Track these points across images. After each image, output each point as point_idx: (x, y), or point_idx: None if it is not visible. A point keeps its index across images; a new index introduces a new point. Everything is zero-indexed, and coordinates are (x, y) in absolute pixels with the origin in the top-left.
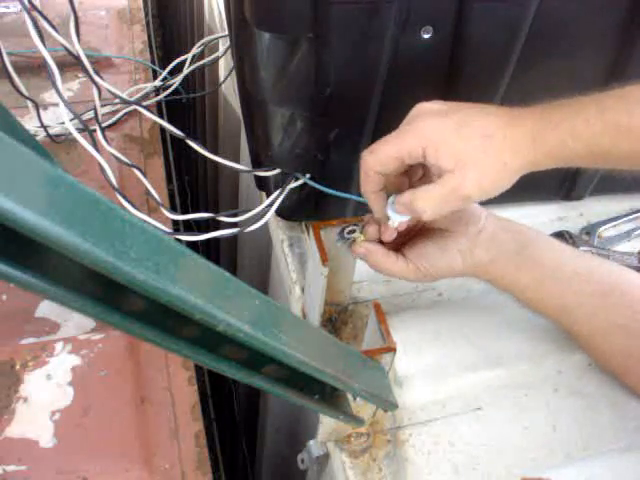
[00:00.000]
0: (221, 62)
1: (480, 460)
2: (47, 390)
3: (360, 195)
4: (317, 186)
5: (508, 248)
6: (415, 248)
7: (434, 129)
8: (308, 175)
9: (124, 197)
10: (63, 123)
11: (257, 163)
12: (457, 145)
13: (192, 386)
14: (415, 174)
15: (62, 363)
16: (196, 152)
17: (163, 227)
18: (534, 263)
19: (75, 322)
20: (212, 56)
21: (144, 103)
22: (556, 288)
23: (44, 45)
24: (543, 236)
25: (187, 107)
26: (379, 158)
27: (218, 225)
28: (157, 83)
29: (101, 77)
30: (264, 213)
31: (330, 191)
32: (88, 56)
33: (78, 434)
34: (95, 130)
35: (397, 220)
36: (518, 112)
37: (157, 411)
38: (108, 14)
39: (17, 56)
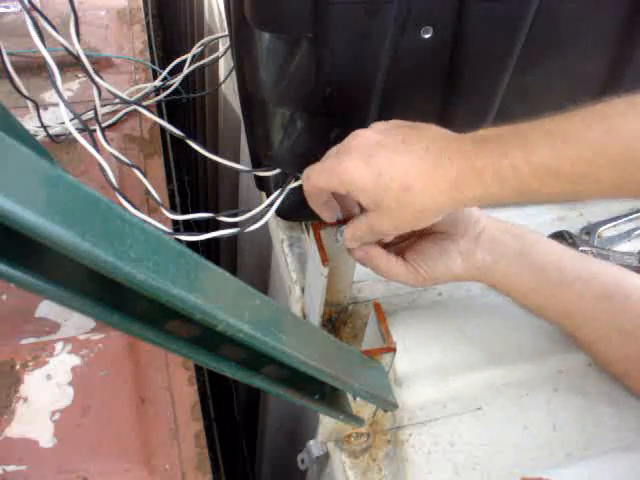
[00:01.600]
0: (221, 62)
1: (480, 460)
2: (47, 390)
3: None
4: None
5: (509, 251)
6: (415, 251)
7: (356, 175)
8: (301, 180)
9: (124, 197)
10: (63, 123)
11: (257, 163)
12: (376, 193)
13: (192, 386)
14: None
15: (62, 363)
16: (196, 152)
17: (163, 227)
18: (535, 266)
19: (75, 322)
20: (212, 56)
21: (144, 103)
22: (558, 292)
23: (44, 45)
24: (544, 239)
25: (187, 107)
26: (312, 186)
27: (218, 225)
28: (157, 83)
29: (101, 77)
30: (264, 213)
31: None
32: (88, 56)
33: (78, 434)
34: (95, 130)
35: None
36: (446, 153)
37: (157, 411)
38: (108, 14)
39: (17, 56)
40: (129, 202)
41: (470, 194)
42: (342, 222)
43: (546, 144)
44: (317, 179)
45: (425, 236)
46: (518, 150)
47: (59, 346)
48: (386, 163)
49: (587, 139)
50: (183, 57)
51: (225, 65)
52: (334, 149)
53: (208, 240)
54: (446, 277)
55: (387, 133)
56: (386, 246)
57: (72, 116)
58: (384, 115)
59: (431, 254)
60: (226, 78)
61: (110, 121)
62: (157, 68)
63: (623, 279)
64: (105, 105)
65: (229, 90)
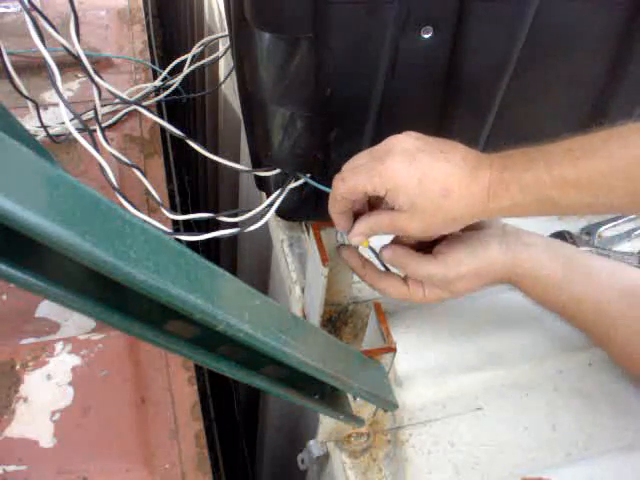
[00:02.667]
0: (221, 62)
1: (480, 460)
2: (47, 390)
3: None
4: (318, 185)
5: (537, 239)
6: (445, 245)
7: (400, 175)
8: (309, 175)
9: (124, 197)
10: (63, 123)
11: (257, 163)
12: (416, 195)
13: (192, 386)
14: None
15: (62, 363)
16: (196, 152)
17: (163, 227)
18: (565, 255)
19: (75, 322)
20: (212, 56)
21: (144, 103)
22: (589, 283)
23: (44, 45)
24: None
25: (187, 107)
26: (348, 187)
27: (218, 225)
28: (157, 83)
29: (101, 77)
30: (264, 213)
31: (330, 191)
32: (88, 56)
33: (78, 434)
34: (95, 130)
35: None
36: (480, 164)
37: (157, 411)
38: (108, 14)
39: (17, 56)
40: (129, 202)
41: (498, 204)
42: None
43: (566, 157)
44: (356, 180)
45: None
46: (541, 163)
47: (59, 346)
48: (428, 167)
49: (604, 153)
50: (183, 57)
51: (225, 65)
52: (364, 155)
53: (208, 240)
54: (483, 264)
55: (423, 141)
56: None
57: (72, 116)
58: (384, 115)
59: (465, 242)
60: (226, 78)
61: (110, 121)
62: (157, 68)
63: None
64: (105, 105)
65: (229, 90)
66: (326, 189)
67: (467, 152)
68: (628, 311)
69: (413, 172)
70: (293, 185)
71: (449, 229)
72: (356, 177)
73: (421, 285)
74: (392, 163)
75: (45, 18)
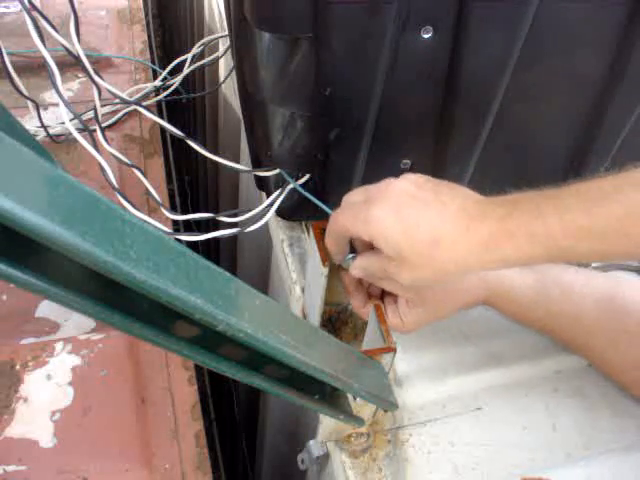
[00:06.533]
0: (221, 62)
1: (480, 460)
2: (47, 390)
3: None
4: (305, 194)
5: None
6: None
7: (383, 224)
8: (301, 181)
9: (124, 197)
10: (63, 123)
11: (257, 163)
12: (400, 244)
13: (192, 386)
14: None
15: (62, 363)
16: (196, 152)
17: (163, 227)
18: (535, 270)
19: (75, 322)
20: (212, 56)
21: (144, 103)
22: (562, 296)
23: (44, 45)
24: None
25: (187, 107)
26: (337, 227)
27: (218, 225)
28: (157, 83)
29: (101, 77)
30: (264, 213)
31: (315, 200)
32: (88, 56)
33: (78, 434)
34: (95, 130)
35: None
36: (479, 213)
37: (157, 411)
38: (108, 14)
39: (17, 56)
40: (129, 202)
41: (499, 255)
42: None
43: (577, 203)
44: (343, 221)
45: None
46: (551, 209)
47: (59, 346)
48: (417, 216)
49: (617, 197)
50: (183, 57)
51: (225, 65)
52: (360, 192)
53: (208, 240)
54: (460, 274)
55: (421, 187)
56: None
57: (72, 116)
58: (384, 115)
59: None
60: (226, 78)
61: (110, 121)
62: (157, 68)
63: (619, 282)
64: (105, 105)
65: (229, 90)
66: (314, 200)
67: (467, 199)
68: (604, 320)
69: (399, 221)
70: (293, 185)
71: (441, 280)
72: (343, 218)
73: (398, 314)
74: (376, 211)
75: (45, 18)
